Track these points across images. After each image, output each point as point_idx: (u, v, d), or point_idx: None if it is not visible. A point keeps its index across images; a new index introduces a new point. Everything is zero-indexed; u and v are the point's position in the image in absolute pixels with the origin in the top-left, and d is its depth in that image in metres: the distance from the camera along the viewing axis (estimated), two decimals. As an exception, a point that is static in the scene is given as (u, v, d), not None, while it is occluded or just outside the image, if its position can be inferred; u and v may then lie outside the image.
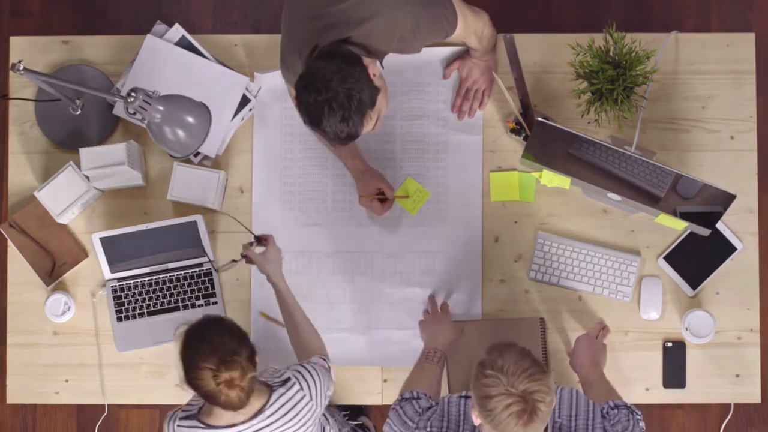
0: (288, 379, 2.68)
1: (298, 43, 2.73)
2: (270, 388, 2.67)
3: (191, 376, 2.50)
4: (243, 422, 2.63)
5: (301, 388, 2.68)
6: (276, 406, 2.65)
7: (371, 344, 3.13)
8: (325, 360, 2.81)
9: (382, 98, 2.69)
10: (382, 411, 3.79)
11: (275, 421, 2.65)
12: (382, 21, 2.67)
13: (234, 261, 2.94)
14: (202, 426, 2.63)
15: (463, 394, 2.65)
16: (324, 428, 2.88)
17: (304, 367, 2.73)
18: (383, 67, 2.82)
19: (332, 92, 2.56)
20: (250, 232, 2.96)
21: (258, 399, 2.63)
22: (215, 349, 2.48)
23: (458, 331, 3.03)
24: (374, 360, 3.13)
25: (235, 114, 3.15)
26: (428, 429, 2.61)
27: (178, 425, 2.65)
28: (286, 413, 2.66)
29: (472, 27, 2.89)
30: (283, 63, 2.83)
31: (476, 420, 2.41)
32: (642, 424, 2.66)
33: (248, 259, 2.93)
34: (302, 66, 2.74)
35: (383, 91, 2.70)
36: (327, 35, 2.67)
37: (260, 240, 2.92)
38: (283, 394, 2.66)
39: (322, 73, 2.56)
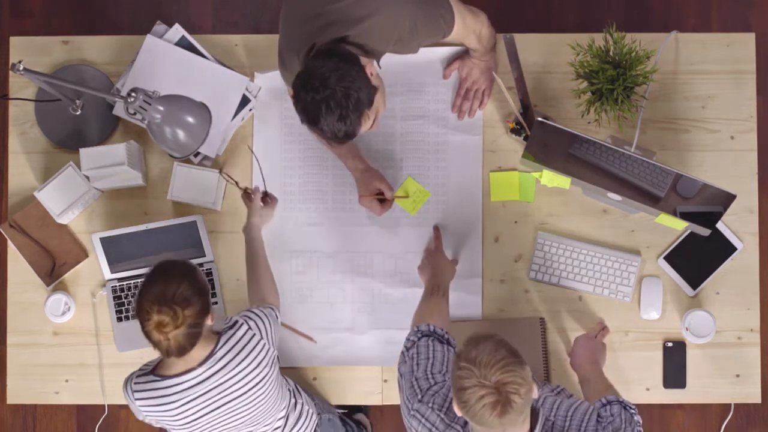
0: (236, 323, 2.74)
1: (296, 43, 2.73)
2: (218, 334, 2.72)
3: (137, 314, 2.58)
4: (194, 368, 2.67)
5: (250, 328, 2.74)
6: (226, 348, 2.70)
7: (371, 344, 3.13)
8: (274, 311, 2.84)
9: (379, 97, 2.69)
10: (381, 410, 3.79)
11: (228, 363, 2.69)
12: (380, 20, 2.67)
13: (238, 184, 3.04)
14: (158, 378, 2.68)
15: None
16: (295, 399, 2.93)
17: (253, 312, 2.79)
18: (380, 67, 2.83)
19: (330, 90, 2.56)
20: (264, 189, 3.05)
21: (206, 345, 2.68)
22: (159, 292, 2.55)
23: (454, 267, 3.06)
24: (374, 360, 3.13)
25: (235, 114, 3.15)
26: (431, 404, 2.61)
27: (135, 383, 2.71)
28: (238, 353, 2.71)
29: (470, 27, 2.89)
30: (282, 62, 2.83)
31: (458, 412, 2.42)
32: (637, 417, 2.65)
33: (246, 196, 3.03)
34: (300, 65, 2.74)
35: (381, 90, 2.70)
36: (325, 34, 2.67)
37: (266, 196, 3.03)
38: (231, 336, 2.72)
39: (320, 72, 2.56)
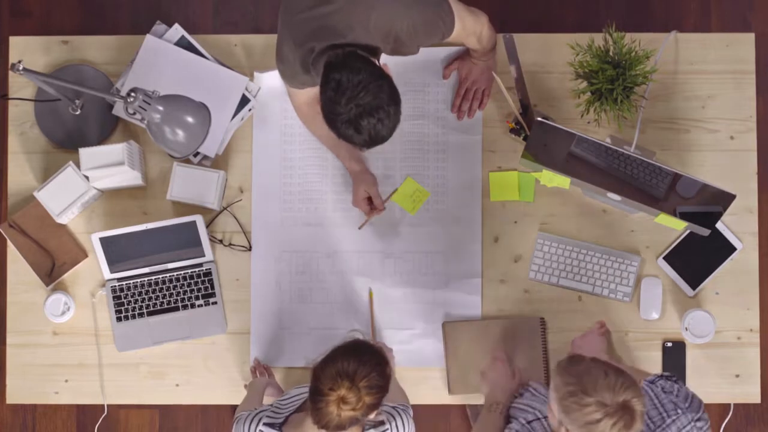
0: (382, 422, 2.66)
1: (296, 43, 2.73)
2: (363, 428, 2.64)
3: (320, 368, 2.49)
4: None
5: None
6: None
7: (371, 344, 3.13)
8: (408, 407, 2.79)
9: None
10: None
11: None
12: (378, 20, 2.68)
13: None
14: None
15: (523, 421, 2.68)
16: None
17: (398, 412, 2.70)
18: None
19: (384, 113, 2.62)
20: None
21: (350, 430, 2.58)
22: (353, 371, 2.47)
23: (517, 381, 2.99)
24: (374, 360, 3.13)
25: (235, 114, 3.15)
26: None
27: (260, 430, 2.63)
28: None
29: (470, 28, 2.89)
30: (280, 61, 2.83)
31: None
32: (682, 384, 2.71)
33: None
34: (301, 67, 2.75)
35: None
36: (325, 37, 2.67)
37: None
38: None
39: (360, 89, 2.58)
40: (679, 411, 2.62)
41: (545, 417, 2.67)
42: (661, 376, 2.72)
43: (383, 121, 2.61)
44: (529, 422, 2.68)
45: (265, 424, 2.63)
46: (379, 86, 2.59)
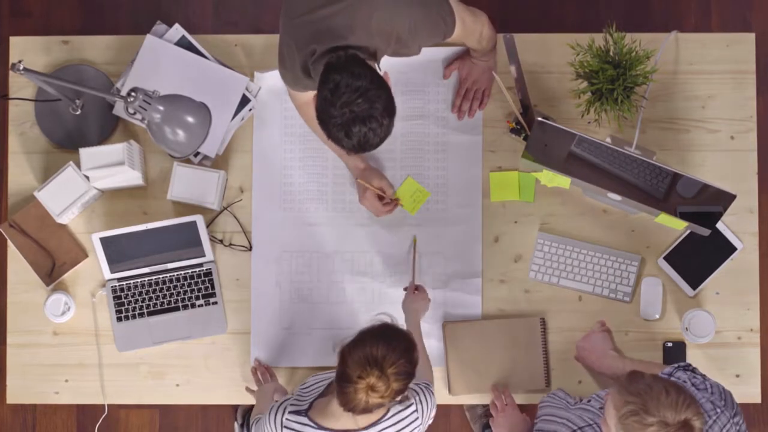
0: (407, 398, 2.65)
1: (297, 45, 2.73)
2: (388, 407, 2.65)
3: (348, 352, 2.48)
4: (355, 430, 2.60)
5: (416, 410, 2.68)
6: (390, 422, 2.64)
7: (371, 344, 3.13)
8: (431, 384, 2.81)
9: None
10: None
11: None
12: (379, 21, 2.67)
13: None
14: (313, 425, 2.61)
15: None
16: None
17: (422, 390, 2.72)
18: (380, 69, 2.82)
19: (376, 122, 2.59)
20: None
21: (377, 412, 2.60)
22: (382, 357, 2.46)
23: (529, 424, 3.01)
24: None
25: (235, 114, 3.15)
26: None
27: (287, 418, 2.63)
28: (398, 431, 2.66)
29: (470, 28, 2.89)
30: (282, 65, 2.82)
31: None
32: (699, 373, 2.71)
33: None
34: (302, 70, 2.74)
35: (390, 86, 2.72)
36: (326, 39, 2.66)
37: (416, 287, 3.05)
38: (399, 411, 2.66)
39: (357, 96, 2.56)
40: (718, 410, 2.60)
41: (580, 428, 2.66)
42: (678, 367, 2.71)
43: (375, 131, 2.59)
44: None
45: (290, 412, 2.63)
46: (377, 96, 2.57)
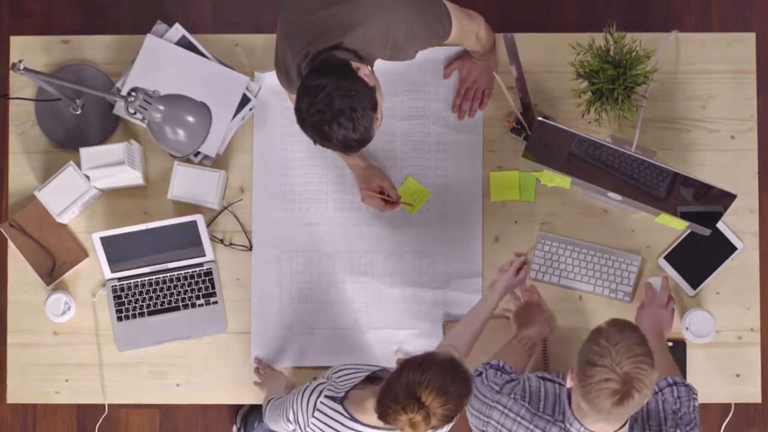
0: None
1: (292, 49, 2.72)
2: None
3: (406, 372, 2.43)
4: (387, 429, 2.56)
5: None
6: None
7: (371, 344, 3.13)
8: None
9: (378, 96, 2.68)
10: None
11: None
12: (375, 25, 2.66)
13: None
14: (347, 415, 2.60)
15: (540, 375, 2.68)
16: None
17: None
18: (373, 72, 2.80)
19: (336, 111, 2.54)
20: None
21: None
22: (441, 393, 2.42)
23: (550, 324, 3.04)
24: (374, 360, 3.13)
25: (236, 114, 3.15)
26: (512, 395, 2.63)
27: (321, 402, 2.61)
28: None
29: (467, 30, 2.89)
30: (278, 69, 2.82)
31: (569, 382, 2.45)
32: (696, 403, 2.70)
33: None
34: (297, 73, 2.74)
35: (377, 87, 2.69)
36: (319, 42, 2.65)
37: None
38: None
39: (322, 92, 2.54)
40: (679, 431, 2.62)
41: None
42: (674, 384, 2.73)
43: (345, 126, 2.55)
44: (538, 378, 2.68)
45: (326, 396, 2.62)
46: (345, 91, 2.53)
